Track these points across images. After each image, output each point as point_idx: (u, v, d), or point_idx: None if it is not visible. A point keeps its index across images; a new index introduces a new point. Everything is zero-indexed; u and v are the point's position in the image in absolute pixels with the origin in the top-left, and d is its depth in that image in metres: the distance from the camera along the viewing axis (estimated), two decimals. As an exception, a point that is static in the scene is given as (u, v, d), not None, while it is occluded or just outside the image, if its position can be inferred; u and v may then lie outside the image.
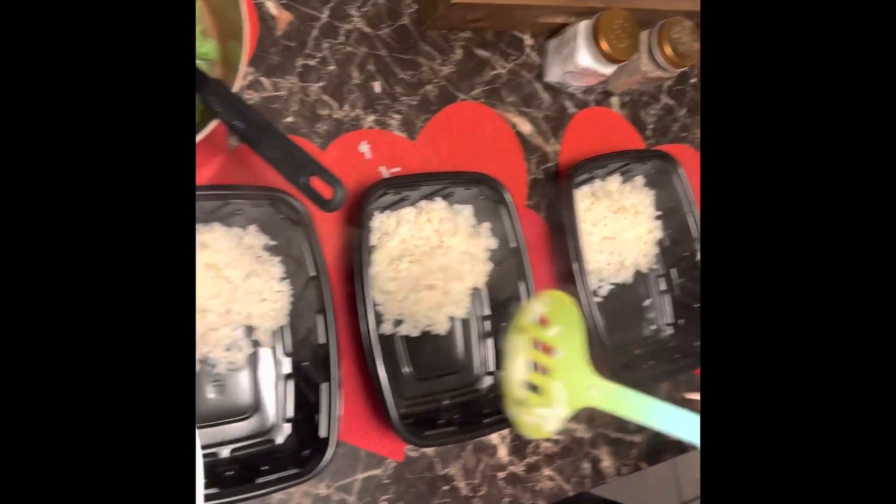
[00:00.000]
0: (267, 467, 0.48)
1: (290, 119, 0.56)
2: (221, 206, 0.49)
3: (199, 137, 0.43)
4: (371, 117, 0.59)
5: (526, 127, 0.66)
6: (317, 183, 0.42)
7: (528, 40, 0.67)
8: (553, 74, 0.66)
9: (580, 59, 0.62)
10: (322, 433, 0.49)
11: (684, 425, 0.37)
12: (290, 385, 0.53)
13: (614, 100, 0.72)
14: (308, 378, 0.51)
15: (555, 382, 0.40)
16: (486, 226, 0.60)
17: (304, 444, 0.50)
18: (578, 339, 0.40)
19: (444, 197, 0.59)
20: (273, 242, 0.53)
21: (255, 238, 0.52)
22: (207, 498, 0.43)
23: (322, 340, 0.50)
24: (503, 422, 0.55)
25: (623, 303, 0.68)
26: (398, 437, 0.51)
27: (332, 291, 0.50)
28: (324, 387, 0.49)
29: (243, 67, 0.45)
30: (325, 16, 0.58)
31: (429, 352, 0.59)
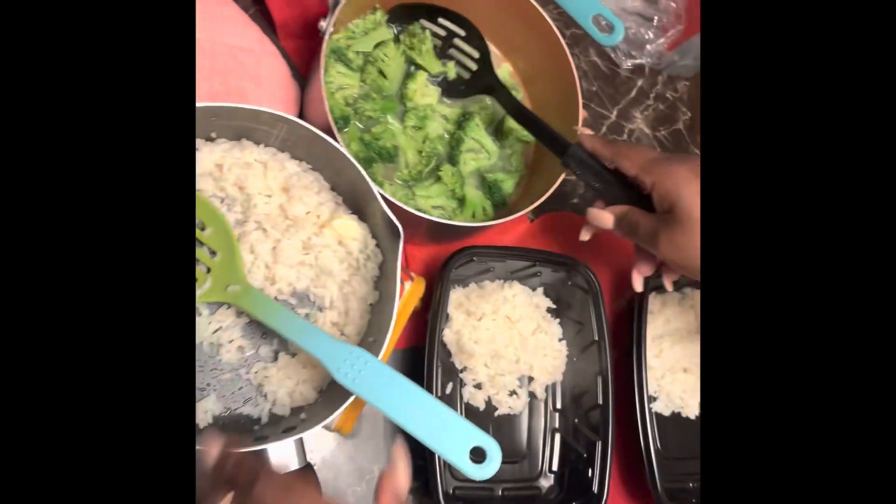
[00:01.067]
0: (540, 512, 0.52)
1: (574, 201, 0.63)
2: (525, 268, 0.56)
3: (548, 193, 0.51)
4: (642, 206, 0.65)
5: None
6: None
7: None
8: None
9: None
10: (595, 489, 0.52)
11: (319, 344, 0.39)
12: (558, 439, 0.57)
13: None
14: (578, 434, 0.55)
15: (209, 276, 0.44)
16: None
17: (571, 496, 0.53)
18: (228, 241, 0.44)
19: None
20: (553, 305, 0.58)
21: (541, 299, 0.58)
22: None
23: (599, 401, 0.54)
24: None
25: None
26: (659, 507, 0.53)
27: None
28: (598, 445, 0.53)
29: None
30: (613, 116, 0.66)
31: (676, 433, 0.61)
